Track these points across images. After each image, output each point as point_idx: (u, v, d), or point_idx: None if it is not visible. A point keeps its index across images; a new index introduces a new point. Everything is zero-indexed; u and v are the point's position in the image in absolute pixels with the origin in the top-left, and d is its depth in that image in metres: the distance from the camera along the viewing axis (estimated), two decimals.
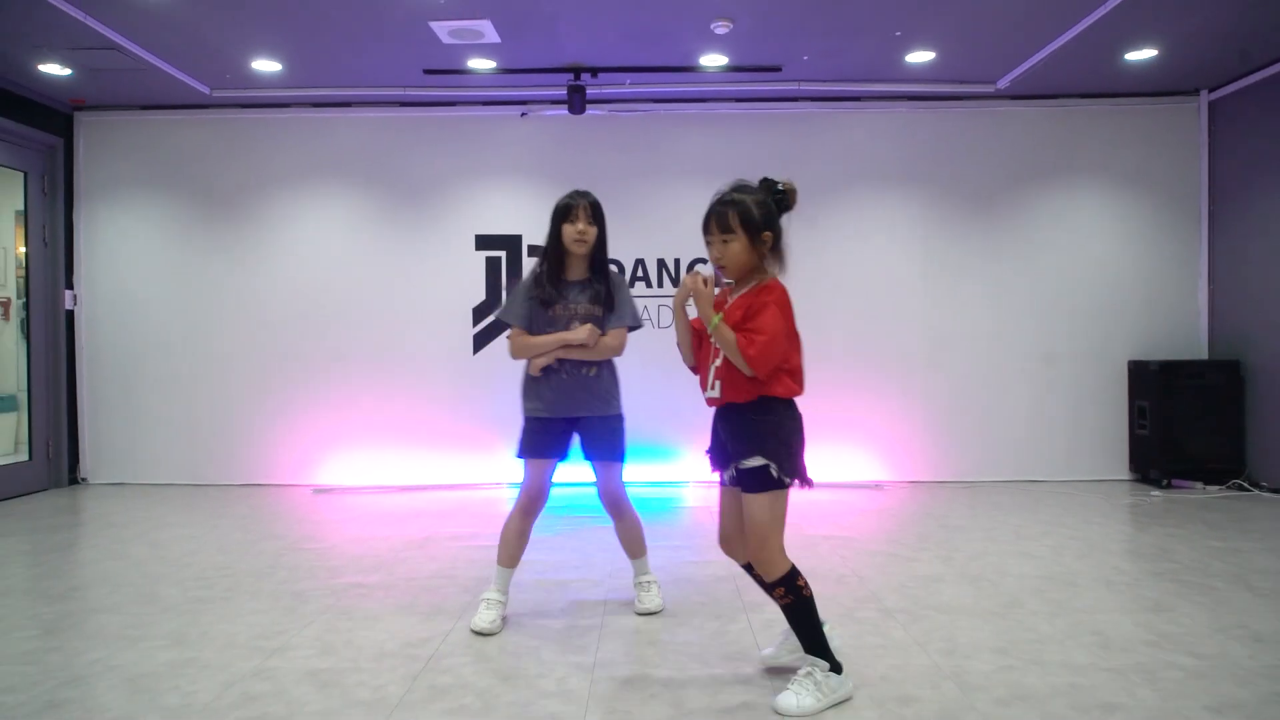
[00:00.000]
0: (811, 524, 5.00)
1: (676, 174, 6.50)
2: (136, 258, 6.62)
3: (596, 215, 3.29)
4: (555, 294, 3.22)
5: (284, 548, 4.50)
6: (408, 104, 6.49)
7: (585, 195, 3.30)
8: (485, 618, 3.16)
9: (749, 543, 2.54)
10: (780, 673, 2.75)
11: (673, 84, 6.15)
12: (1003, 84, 6.10)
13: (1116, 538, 4.61)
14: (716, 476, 2.70)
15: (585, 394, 3.23)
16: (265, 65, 5.73)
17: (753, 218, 2.55)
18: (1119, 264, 6.45)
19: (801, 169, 6.49)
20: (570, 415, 3.24)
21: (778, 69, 5.85)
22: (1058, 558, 4.15)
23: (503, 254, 6.56)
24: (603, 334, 3.23)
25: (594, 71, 5.87)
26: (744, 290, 2.57)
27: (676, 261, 6.51)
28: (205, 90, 6.14)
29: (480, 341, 6.52)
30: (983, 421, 6.50)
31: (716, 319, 2.48)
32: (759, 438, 2.49)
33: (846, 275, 6.51)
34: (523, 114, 6.51)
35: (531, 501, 3.26)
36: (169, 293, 6.61)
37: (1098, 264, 6.46)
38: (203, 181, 6.59)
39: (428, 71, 5.84)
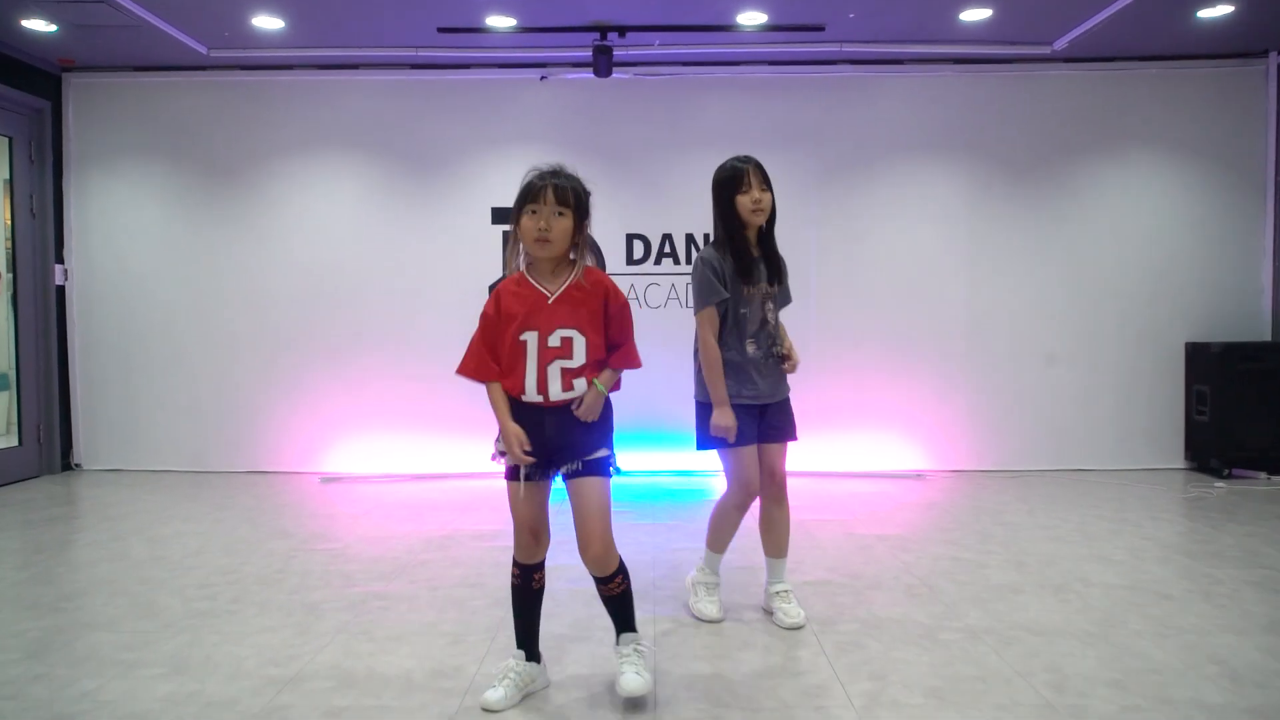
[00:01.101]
0: (859, 521, 4.65)
1: (705, 143, 6.06)
2: (131, 230, 6.22)
3: (767, 178, 3.07)
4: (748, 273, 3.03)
5: (294, 548, 4.15)
6: (420, 66, 6.06)
7: (750, 159, 3.06)
8: (713, 607, 3.14)
9: (593, 537, 2.42)
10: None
11: (704, 45, 5.72)
12: (1059, 45, 5.67)
13: (1194, 538, 4.25)
14: (508, 472, 2.50)
15: (781, 377, 3.16)
16: (267, 22, 5.30)
17: (584, 202, 2.46)
18: (1177, 239, 6.06)
19: (838, 137, 6.10)
20: (770, 400, 3.11)
21: (820, 28, 5.42)
22: (1139, 563, 3.80)
23: None
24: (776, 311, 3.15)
25: (621, 30, 5.44)
26: (568, 279, 2.43)
27: (706, 237, 6.11)
28: (203, 50, 5.71)
29: None
30: (1029, 407, 6.13)
31: (600, 384, 2.44)
32: (604, 431, 2.49)
33: (884, 252, 6.11)
34: (542, 77, 6.09)
35: (751, 495, 3.10)
36: (166, 267, 6.22)
37: (1154, 239, 6.07)
38: (201, 149, 6.18)
39: (442, 30, 5.41)
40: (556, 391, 2.41)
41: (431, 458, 6.04)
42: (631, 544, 4.20)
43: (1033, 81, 6.05)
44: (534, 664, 2.55)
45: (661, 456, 6.01)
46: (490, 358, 2.46)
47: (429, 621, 3.11)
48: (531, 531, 2.50)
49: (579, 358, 2.41)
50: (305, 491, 5.59)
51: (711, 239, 3.16)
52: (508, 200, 6.02)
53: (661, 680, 2.62)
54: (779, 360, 3.12)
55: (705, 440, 3.10)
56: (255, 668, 2.71)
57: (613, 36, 5.48)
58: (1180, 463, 6.08)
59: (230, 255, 6.20)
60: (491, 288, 2.89)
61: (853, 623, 3.07)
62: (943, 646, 2.84)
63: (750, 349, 3.05)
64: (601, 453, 2.46)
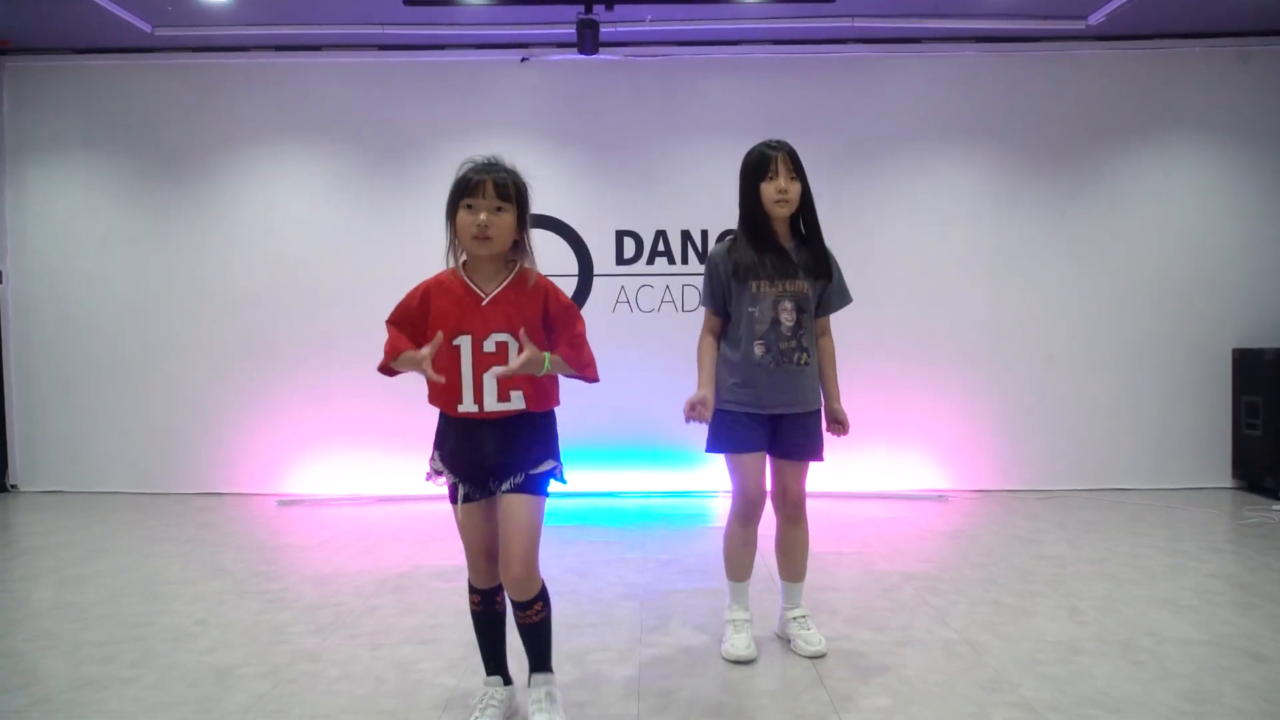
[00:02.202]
0: (878, 552, 4.08)
1: (702, 131, 5.53)
2: (73, 228, 5.66)
3: (798, 167, 2.76)
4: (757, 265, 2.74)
5: (226, 591, 3.57)
6: (388, 46, 5.51)
7: (782, 144, 2.75)
8: (740, 643, 2.79)
9: (515, 557, 2.19)
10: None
11: (701, 20, 5.17)
12: (1095, 20, 5.12)
13: (1267, 575, 3.67)
14: (450, 493, 2.27)
15: (801, 388, 2.82)
16: None
17: (525, 196, 2.24)
18: (1224, 235, 5.49)
19: (849, 124, 5.55)
20: (777, 412, 2.79)
21: (830, 0, 4.87)
22: (1213, 609, 3.22)
23: None
24: (818, 315, 2.87)
25: (609, 3, 4.88)
26: (506, 279, 2.23)
27: (704, 234, 5.55)
28: (146, 28, 5.16)
29: None
30: (1060, 420, 5.56)
31: (548, 359, 2.16)
32: (549, 441, 2.28)
33: (901, 252, 5.55)
34: (523, 59, 5.54)
35: (750, 504, 2.82)
36: (112, 269, 5.66)
37: (1199, 235, 5.50)
38: (149, 138, 5.62)
39: (410, 2, 4.85)
40: (492, 401, 2.19)
41: (398, 478, 5.45)
42: (616, 584, 3.64)
43: (1065, 62, 5.49)
44: (510, 687, 2.39)
45: (656, 476, 5.45)
46: (403, 341, 2.24)
47: (359, 698, 2.53)
48: (484, 553, 2.29)
49: (515, 363, 2.13)
50: (259, 517, 5.02)
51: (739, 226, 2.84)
52: None
53: None
54: (800, 368, 2.78)
55: (710, 444, 2.85)
56: None
57: (599, 9, 4.93)
58: (1228, 481, 5.51)
59: (181, 256, 5.64)
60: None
61: (883, 696, 2.49)
62: None
63: (758, 351, 2.74)
64: (546, 465, 2.26)
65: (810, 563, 3.19)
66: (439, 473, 2.30)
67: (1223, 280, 5.49)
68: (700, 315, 2.94)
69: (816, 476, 5.21)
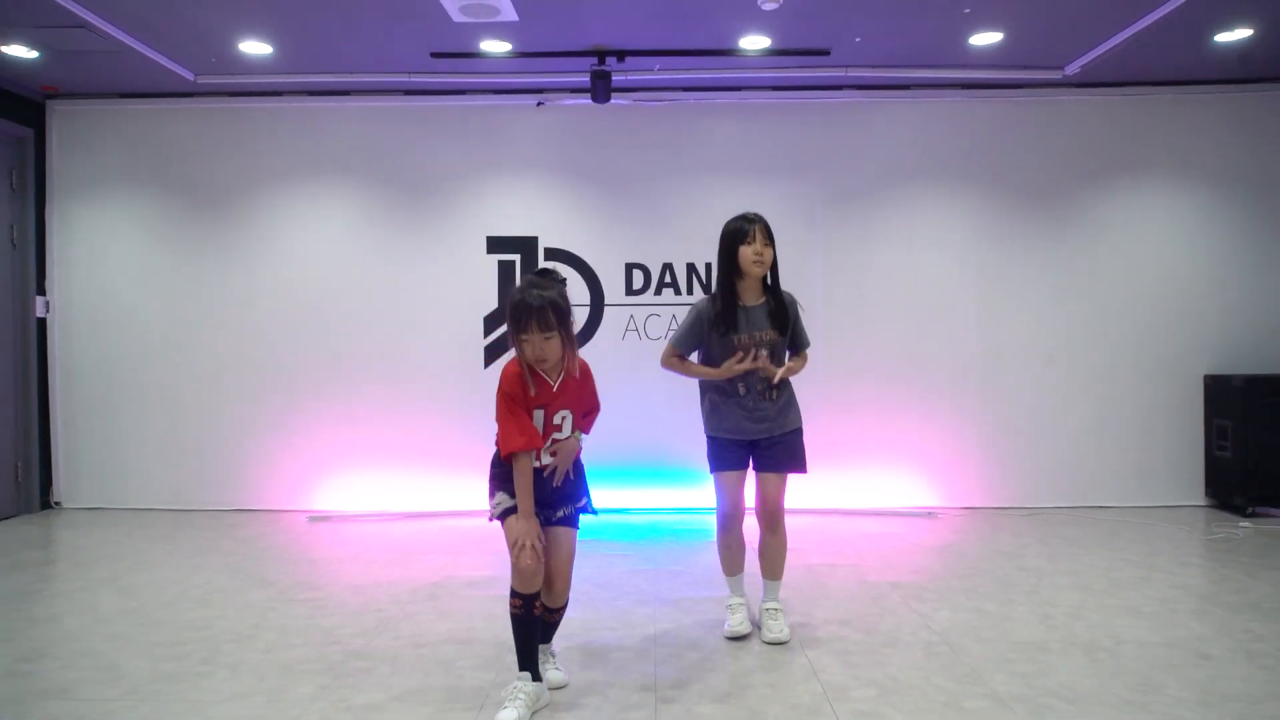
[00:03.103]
0: (870, 565, 4.42)
1: (707, 170, 5.91)
2: (115, 261, 6.03)
3: (770, 235, 3.32)
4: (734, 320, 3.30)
5: (274, 598, 3.92)
6: (412, 92, 5.90)
7: (759, 217, 3.32)
8: (735, 620, 3.35)
9: (560, 576, 2.83)
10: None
11: (706, 70, 5.56)
12: (1071, 70, 5.51)
13: (1228, 586, 4.02)
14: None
15: (779, 415, 3.38)
16: (255, 48, 5.14)
17: (566, 314, 2.71)
18: (1196, 269, 5.87)
19: (844, 164, 5.93)
20: (754, 438, 3.34)
21: (826, 52, 5.26)
22: (1172, 615, 3.56)
23: (517, 257, 5.97)
24: (793, 351, 3.47)
25: (620, 55, 5.27)
26: (564, 373, 2.77)
27: (708, 266, 5.92)
28: (189, 76, 5.55)
29: (492, 353, 5.93)
30: (1044, 441, 5.92)
31: (579, 438, 2.86)
32: (585, 483, 2.95)
33: (894, 282, 5.92)
34: (539, 103, 5.92)
35: (729, 517, 3.39)
36: (151, 299, 6.03)
37: (1172, 269, 5.88)
38: (188, 177, 6.00)
39: (435, 55, 5.25)
40: (548, 457, 2.80)
41: (424, 495, 5.82)
42: (632, 593, 3.98)
43: (1045, 107, 5.88)
44: (539, 683, 2.74)
45: (663, 494, 5.79)
46: (529, 427, 2.73)
47: (412, 689, 2.87)
48: (531, 561, 2.70)
49: (567, 430, 2.82)
50: (291, 532, 5.36)
51: (715, 285, 3.41)
52: (503, 229, 5.94)
53: None
54: (772, 401, 3.33)
55: (709, 465, 3.40)
56: None
57: (611, 61, 5.32)
58: (1201, 500, 5.85)
59: (217, 286, 6.01)
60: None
61: (869, 687, 2.84)
62: (968, 716, 2.60)
63: (740, 390, 3.31)
64: (582, 501, 2.91)
65: (807, 574, 3.60)
66: (503, 506, 2.78)
67: (1195, 311, 5.86)
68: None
69: (814, 494, 5.61)
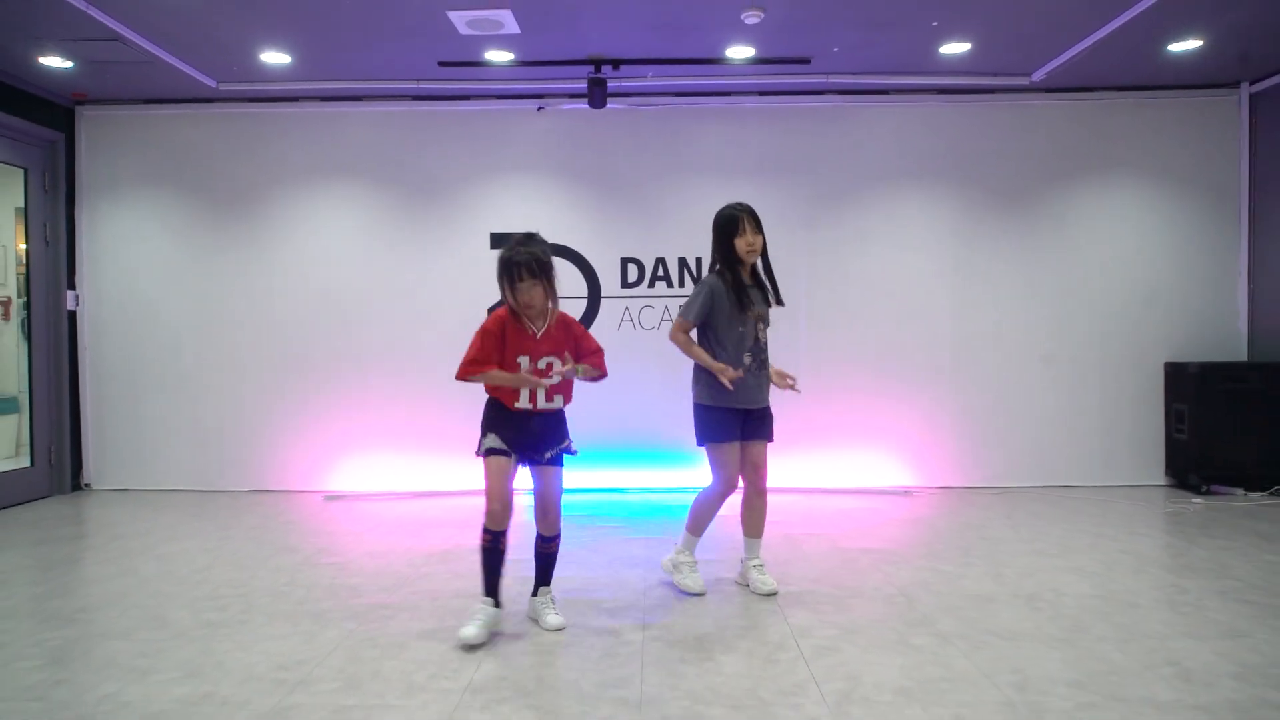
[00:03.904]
0: (846, 536, 4.80)
1: (698, 170, 6.29)
2: (141, 257, 6.42)
3: (759, 223, 3.66)
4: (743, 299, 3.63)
5: (300, 562, 4.31)
6: (421, 98, 6.28)
7: (746, 206, 3.66)
8: (700, 580, 3.74)
9: (550, 509, 3.30)
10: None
11: (696, 77, 5.94)
12: (1037, 77, 5.89)
13: (1168, 551, 4.41)
14: (498, 451, 3.23)
15: (765, 387, 3.74)
16: (274, 58, 5.52)
17: (549, 266, 3.17)
18: (1155, 263, 6.25)
19: (826, 165, 6.30)
20: (757, 406, 3.69)
21: (806, 61, 5.64)
22: (1112, 574, 3.95)
23: None
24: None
25: (616, 64, 5.66)
26: (547, 320, 3.25)
27: (699, 260, 6.30)
28: (212, 84, 5.93)
29: None
30: (1015, 425, 6.31)
31: (580, 369, 3.26)
32: (567, 428, 3.37)
33: (873, 275, 6.31)
34: (540, 108, 6.30)
35: (732, 487, 3.70)
36: (174, 293, 6.41)
37: (1133, 263, 6.26)
38: (209, 178, 6.39)
39: (443, 64, 5.63)
40: (542, 401, 3.26)
41: (433, 475, 6.20)
42: (623, 556, 4.37)
43: (1015, 111, 6.26)
44: (499, 609, 3.23)
45: (656, 474, 6.17)
46: (485, 363, 3.18)
47: (430, 629, 3.27)
48: (503, 503, 3.18)
49: (555, 377, 3.23)
50: (309, 510, 5.75)
51: (714, 268, 3.72)
52: (506, 226, 6.33)
53: (648, 681, 2.78)
54: (765, 371, 3.70)
55: (701, 437, 3.68)
56: (266, 671, 2.87)
57: (607, 69, 5.70)
58: (1161, 479, 6.24)
59: (236, 281, 6.40)
60: (491, 309, 3.42)
61: (831, 629, 3.22)
62: (914, 650, 2.99)
63: (747, 360, 3.61)
64: (567, 443, 3.34)
65: (786, 542, 3.97)
66: (489, 451, 3.24)
67: (1156, 302, 6.24)
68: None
69: (798, 474, 6.00)
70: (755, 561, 3.76)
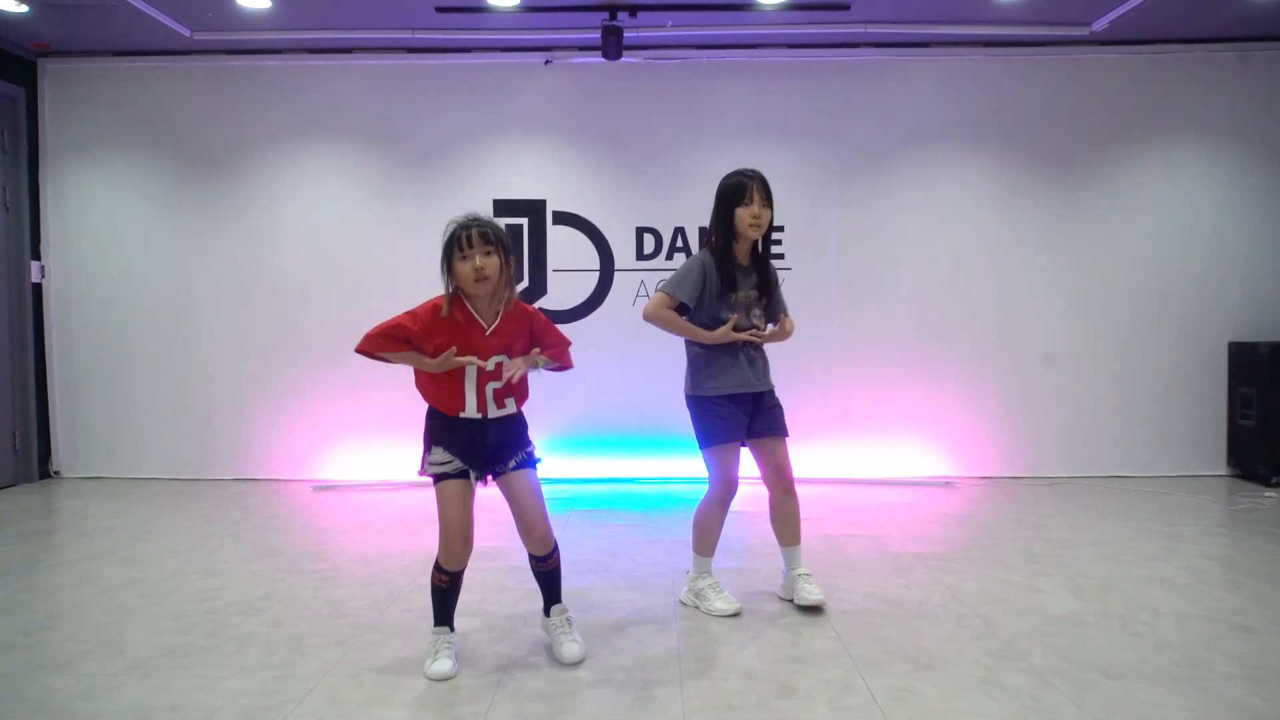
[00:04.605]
0: (890, 535, 4.31)
1: (720, 131, 5.74)
2: (112, 225, 5.88)
3: (770, 195, 3.14)
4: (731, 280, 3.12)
5: (281, 569, 3.81)
6: (417, 49, 5.71)
7: (757, 174, 3.14)
8: (732, 601, 3.20)
9: (535, 524, 2.74)
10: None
11: (720, 26, 5.37)
12: (1098, 26, 5.32)
13: (1260, 557, 3.91)
14: (454, 473, 2.73)
15: (764, 370, 3.26)
16: (253, 3, 4.96)
17: (505, 240, 2.67)
18: (1221, 234, 5.71)
19: (861, 124, 5.76)
20: (757, 389, 3.19)
21: (845, 7, 5.08)
22: (1205, 587, 3.46)
23: (524, 221, 5.81)
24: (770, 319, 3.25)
25: (633, 10, 5.09)
26: (500, 312, 2.70)
27: (708, 240, 5.75)
28: (185, 33, 5.37)
29: None
30: (1062, 411, 5.80)
31: (540, 360, 2.73)
32: (527, 431, 2.83)
33: (910, 247, 5.77)
34: (547, 61, 5.74)
35: (731, 491, 3.22)
36: (150, 264, 5.88)
37: (1196, 234, 5.73)
38: (186, 138, 5.83)
39: (440, 10, 5.06)
40: (494, 409, 2.71)
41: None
42: (646, 564, 3.88)
43: (1069, 66, 5.70)
44: (454, 633, 2.80)
45: (674, 463, 5.67)
46: (399, 341, 2.70)
47: (424, 662, 2.77)
48: (463, 539, 2.70)
49: (509, 375, 2.70)
50: (297, 502, 5.26)
51: (708, 240, 3.22)
52: (510, 192, 5.77)
53: None
54: (762, 356, 3.24)
55: (701, 439, 3.18)
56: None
57: (623, 16, 5.14)
58: (1223, 469, 5.75)
59: (218, 251, 5.86)
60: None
61: (902, 662, 2.73)
62: (1009, 694, 2.50)
63: (738, 344, 3.15)
64: (529, 448, 2.80)
65: (827, 544, 3.48)
66: (434, 473, 2.75)
67: (1219, 276, 5.71)
68: None
69: (829, 464, 5.51)
70: (800, 570, 3.26)
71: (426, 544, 4.23)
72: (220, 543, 4.27)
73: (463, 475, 2.70)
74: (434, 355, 2.64)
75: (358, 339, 2.74)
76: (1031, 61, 5.71)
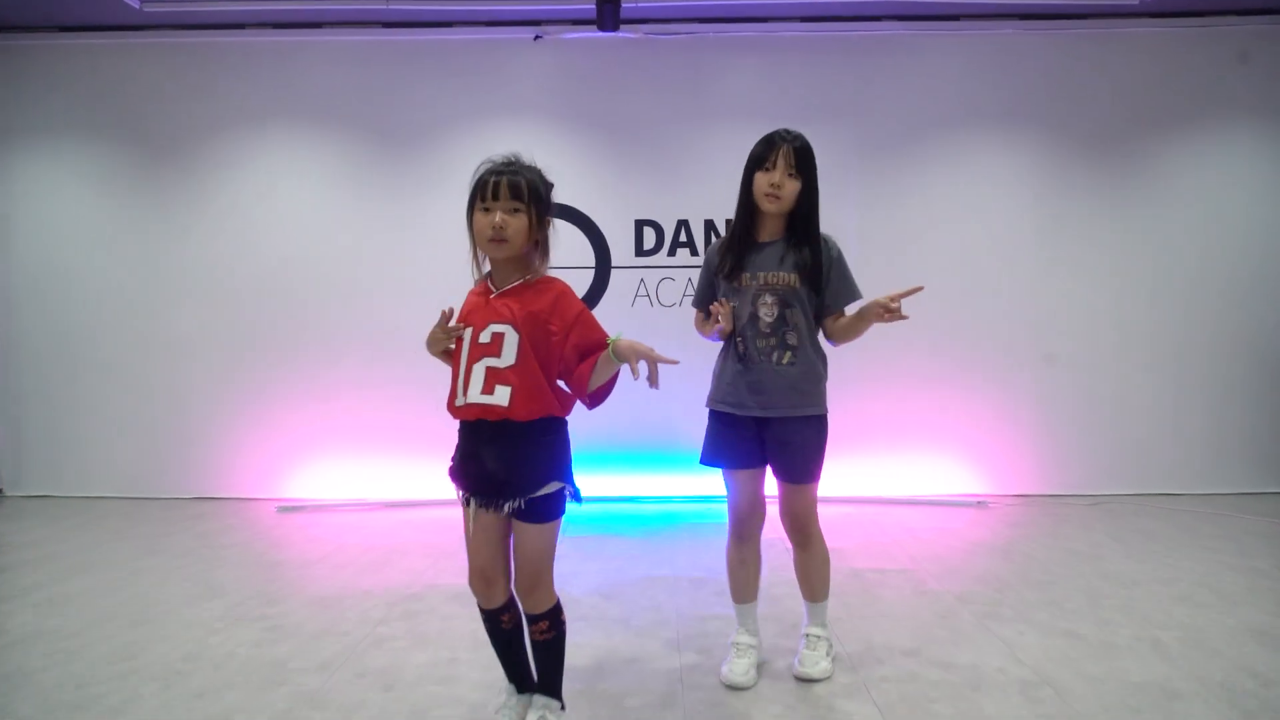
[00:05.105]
0: (926, 570, 3.77)
1: (728, 114, 5.19)
2: (58, 218, 5.33)
3: (803, 163, 2.51)
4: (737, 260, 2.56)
5: (221, 616, 3.27)
6: (392, 24, 5.17)
7: (794, 137, 2.52)
8: (738, 668, 2.60)
9: (524, 575, 2.14)
10: None
11: None
12: None
13: None
14: (461, 499, 2.19)
15: (785, 390, 2.54)
16: None
17: (541, 195, 2.13)
18: None
19: (883, 106, 5.22)
20: (756, 414, 2.55)
21: None
22: None
23: None
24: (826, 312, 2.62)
25: None
26: (514, 283, 2.14)
27: (728, 223, 5.20)
28: (134, 3, 4.83)
29: None
30: (1107, 422, 5.25)
31: (616, 335, 2.10)
32: (553, 460, 2.12)
33: (937, 242, 5.22)
34: (537, 37, 5.20)
35: (742, 525, 2.65)
36: (102, 261, 5.34)
37: (1256, 227, 5.18)
38: (139, 122, 5.29)
39: None
40: (475, 393, 2.08)
41: (408, 482, 5.16)
42: (647, 608, 3.33)
43: (1113, 40, 5.15)
44: (527, 695, 2.28)
45: (677, 480, 5.14)
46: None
47: None
48: (480, 573, 2.18)
49: (508, 356, 2.07)
50: (258, 525, 4.72)
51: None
52: None
53: None
54: (778, 367, 2.54)
55: (702, 455, 2.69)
56: None
57: None
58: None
59: (174, 247, 5.32)
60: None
61: None
62: None
63: (737, 347, 2.58)
64: (550, 488, 2.10)
65: (855, 582, 3.15)
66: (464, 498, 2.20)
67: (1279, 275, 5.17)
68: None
69: (850, 481, 4.98)
70: (810, 630, 2.70)
71: (395, 580, 3.70)
72: (160, 579, 3.73)
73: (485, 506, 2.15)
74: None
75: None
76: (1071, 35, 5.16)
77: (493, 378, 2.06)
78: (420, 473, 5.11)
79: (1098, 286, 5.23)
